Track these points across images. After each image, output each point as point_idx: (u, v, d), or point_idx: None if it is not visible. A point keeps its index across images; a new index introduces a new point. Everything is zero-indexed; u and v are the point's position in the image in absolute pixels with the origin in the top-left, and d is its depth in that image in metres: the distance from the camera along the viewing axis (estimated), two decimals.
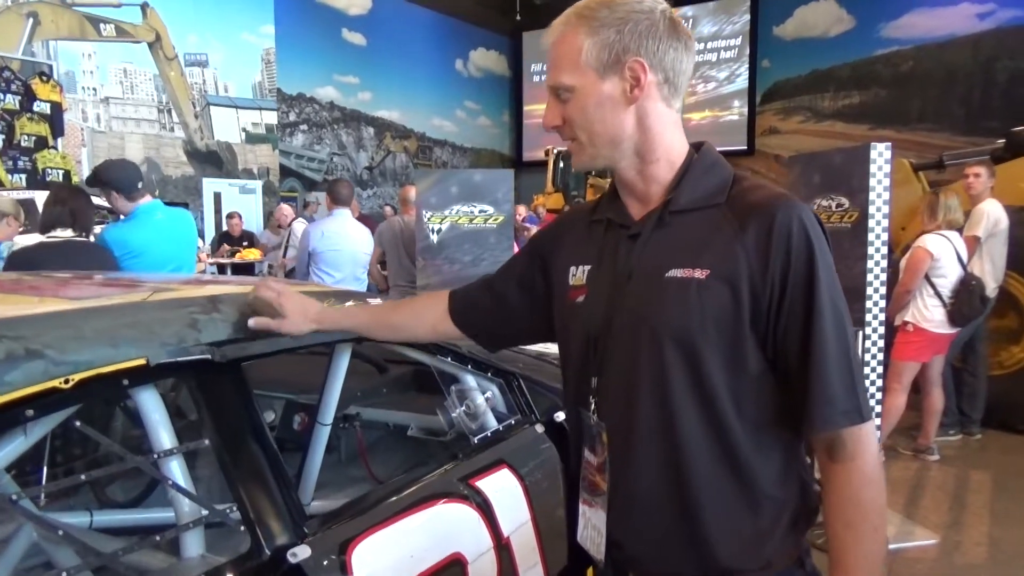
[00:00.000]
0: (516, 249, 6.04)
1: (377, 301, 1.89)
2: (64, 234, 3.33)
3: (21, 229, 4.23)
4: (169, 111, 11.14)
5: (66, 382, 1.15)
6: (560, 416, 2.23)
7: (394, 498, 1.62)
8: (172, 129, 11.21)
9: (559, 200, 13.42)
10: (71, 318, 1.26)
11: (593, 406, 1.15)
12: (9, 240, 3.88)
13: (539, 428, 2.16)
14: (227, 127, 11.99)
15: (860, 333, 3.37)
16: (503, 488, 1.87)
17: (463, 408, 2.07)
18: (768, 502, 1.09)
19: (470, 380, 2.14)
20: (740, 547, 1.08)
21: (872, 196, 3.38)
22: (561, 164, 15.19)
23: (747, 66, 17.45)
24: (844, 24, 15.78)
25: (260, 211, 11.86)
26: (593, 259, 1.19)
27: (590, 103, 1.07)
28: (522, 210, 8.98)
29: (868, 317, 3.45)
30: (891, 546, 3.57)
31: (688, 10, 17.93)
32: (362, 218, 9.74)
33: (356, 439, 2.54)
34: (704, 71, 17.92)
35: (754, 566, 1.09)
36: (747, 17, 17.33)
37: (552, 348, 3.07)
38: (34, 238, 3.61)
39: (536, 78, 20.55)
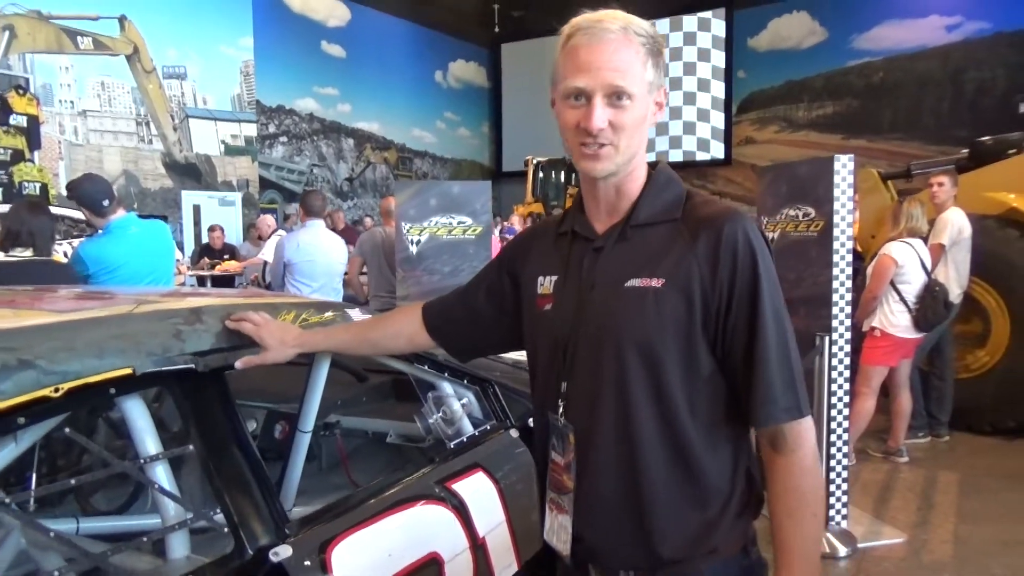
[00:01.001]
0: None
1: (357, 312, 1.96)
2: (24, 254, 3.34)
3: None
4: (147, 124, 11.13)
5: (56, 391, 1.20)
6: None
7: (372, 500, 1.68)
8: (151, 142, 11.21)
9: (539, 209, 13.54)
10: (60, 330, 1.32)
11: (561, 409, 1.22)
12: None
13: (514, 433, 2.23)
14: (206, 139, 11.99)
15: (827, 339, 3.48)
16: (478, 490, 1.93)
17: (440, 414, 2.14)
18: (716, 495, 1.17)
19: (447, 387, 2.21)
20: (689, 537, 1.17)
21: (836, 206, 3.50)
22: (541, 175, 15.35)
23: (723, 77, 17.71)
24: (817, 36, 16.10)
25: (240, 223, 11.87)
26: (559, 270, 1.26)
27: (639, 115, 1.14)
28: (515, 219, 9.13)
29: (835, 323, 3.55)
30: (860, 545, 3.67)
31: (666, 21, 18.18)
32: (346, 228, 9.80)
33: (336, 447, 2.59)
34: (682, 82, 18.16)
35: (701, 551, 1.17)
36: (722, 28, 17.61)
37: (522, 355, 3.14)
38: None
39: (516, 90, 20.69)
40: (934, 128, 14.45)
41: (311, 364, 2.01)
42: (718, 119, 17.90)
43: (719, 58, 17.79)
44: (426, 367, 2.15)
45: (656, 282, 1.12)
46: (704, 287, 1.11)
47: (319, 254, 4.69)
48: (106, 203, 3.63)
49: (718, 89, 17.88)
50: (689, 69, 18.17)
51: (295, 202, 14.76)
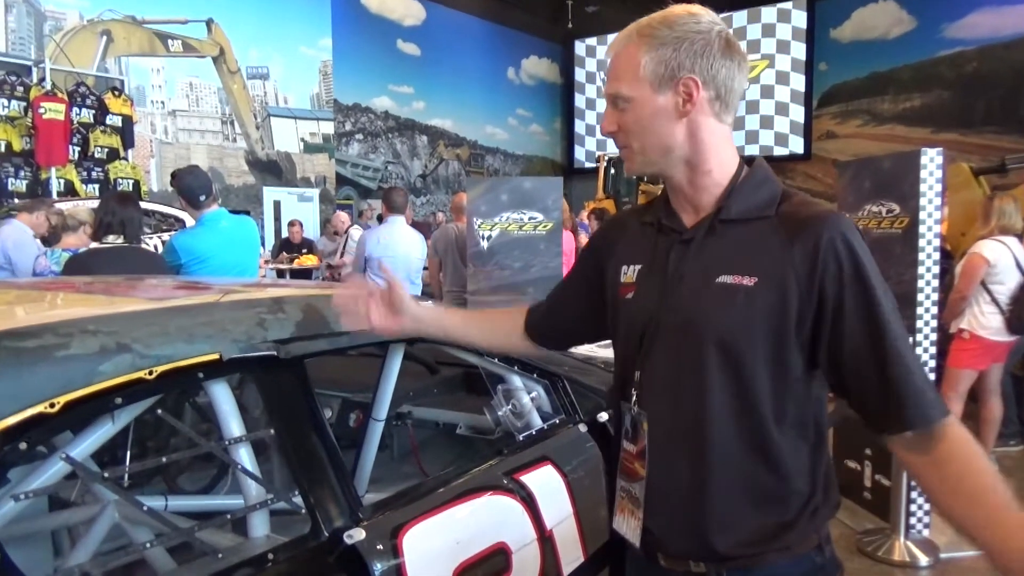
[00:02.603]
0: (569, 252, 6.11)
1: (429, 303, 1.99)
2: (116, 241, 3.54)
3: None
4: (232, 122, 11.58)
5: (150, 373, 1.28)
6: (603, 417, 2.31)
7: (442, 489, 1.71)
8: (235, 140, 11.65)
9: (610, 206, 13.43)
10: (154, 316, 1.40)
11: (634, 397, 1.22)
12: (84, 246, 4.12)
13: (582, 428, 2.24)
14: (286, 137, 12.39)
15: (912, 340, 3.35)
16: (546, 483, 1.95)
17: (509, 407, 2.16)
18: (795, 496, 1.15)
19: (516, 380, 2.23)
20: (762, 535, 1.15)
21: (923, 202, 3.36)
22: (612, 171, 15.21)
23: (803, 69, 17.19)
24: (904, 25, 15.43)
25: (317, 218, 12.21)
26: (644, 259, 1.26)
27: (644, 114, 1.14)
28: (584, 215, 9.13)
29: (920, 324, 3.42)
30: (942, 555, 3.52)
31: (744, 13, 17.76)
32: (415, 224, 9.96)
33: (408, 436, 2.65)
34: (760, 75, 17.72)
35: (772, 548, 1.16)
36: (803, 19, 17.08)
37: (600, 352, 3.14)
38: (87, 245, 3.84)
39: (588, 86, 20.59)
40: None
41: (385, 354, 2.06)
42: (797, 113, 17.37)
43: (799, 50, 17.25)
44: (496, 360, 2.17)
45: (748, 280, 1.11)
46: (800, 290, 1.09)
47: (399, 249, 4.80)
48: (203, 197, 3.84)
49: (798, 82, 17.34)
50: (767, 62, 17.70)
51: (369, 198, 15.10)
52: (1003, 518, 1.05)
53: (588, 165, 18.90)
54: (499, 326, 1.57)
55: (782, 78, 17.52)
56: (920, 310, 3.41)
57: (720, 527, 1.15)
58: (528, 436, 2.09)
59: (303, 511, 1.44)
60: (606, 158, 15.40)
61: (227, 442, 1.43)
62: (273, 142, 12.21)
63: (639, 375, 1.21)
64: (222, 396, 1.45)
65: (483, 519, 1.72)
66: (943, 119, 14.78)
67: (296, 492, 1.45)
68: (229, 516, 1.40)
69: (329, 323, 1.65)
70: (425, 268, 5.42)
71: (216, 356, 1.38)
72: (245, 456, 1.44)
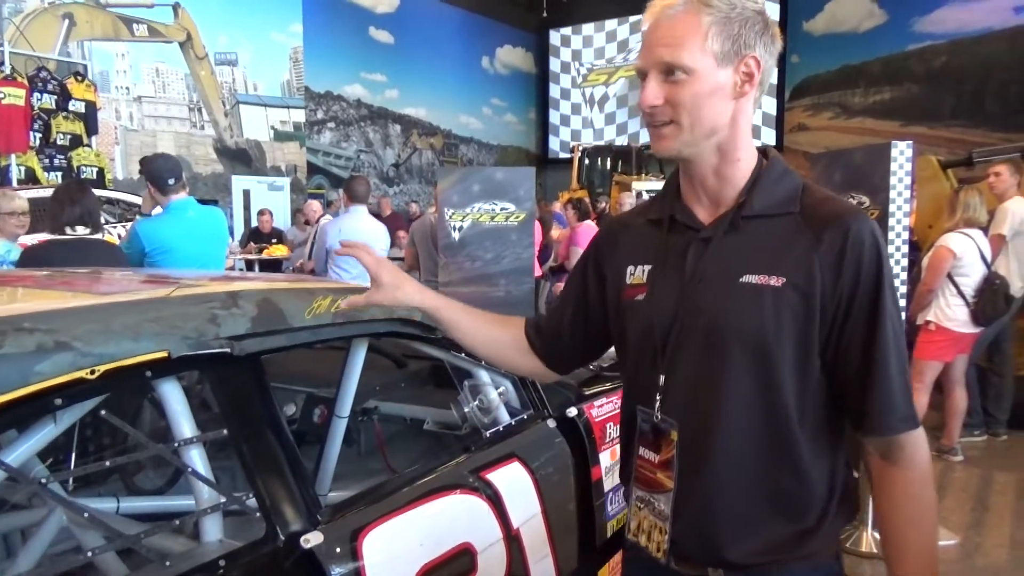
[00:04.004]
0: (537, 241, 6.08)
1: None
2: (80, 232, 3.39)
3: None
4: (200, 110, 11.35)
5: (92, 373, 1.21)
6: (572, 412, 2.27)
7: (406, 489, 1.67)
8: (202, 127, 11.43)
9: (584, 196, 13.41)
10: (97, 312, 1.33)
11: (658, 403, 1.16)
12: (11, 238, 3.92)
13: (551, 423, 2.20)
14: (256, 125, 12.18)
15: None
16: (513, 481, 1.91)
17: (476, 403, 2.12)
18: (817, 501, 1.12)
19: (484, 376, 2.19)
20: (787, 542, 1.12)
21: (893, 195, 3.37)
22: (587, 161, 15.21)
23: (776, 62, 17.25)
24: (876, 19, 15.56)
25: (288, 208, 12.03)
26: (654, 259, 1.19)
27: (704, 89, 1.07)
28: (557, 205, 9.09)
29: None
30: None
31: None
32: (393, 215, 9.87)
33: (374, 432, 2.60)
34: None
35: (795, 555, 1.13)
36: (776, 11, 17.16)
37: None
38: (42, 236, 3.66)
39: (563, 76, 20.53)
40: (999, 115, 13.84)
41: (348, 348, 2.01)
42: (770, 105, 17.46)
43: None
44: (463, 355, 2.13)
45: (775, 280, 1.07)
46: (825, 289, 1.06)
47: (361, 239, 4.70)
48: (172, 181, 3.72)
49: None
50: None
51: (341, 188, 14.90)
52: (912, 561, 1.11)
53: (563, 155, 18.86)
54: (506, 333, 1.42)
55: None
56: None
57: (741, 534, 1.12)
58: (495, 432, 2.06)
59: (258, 514, 1.38)
60: (580, 148, 15.40)
61: (177, 444, 1.37)
62: (242, 130, 12.00)
63: (663, 380, 1.15)
64: (172, 396, 1.39)
65: (447, 519, 1.68)
66: (912, 112, 14.94)
67: (251, 494, 1.40)
68: (177, 521, 1.34)
69: (287, 318, 1.59)
70: (396, 259, 5.35)
71: (164, 354, 1.32)
72: (197, 458, 1.38)
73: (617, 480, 2.52)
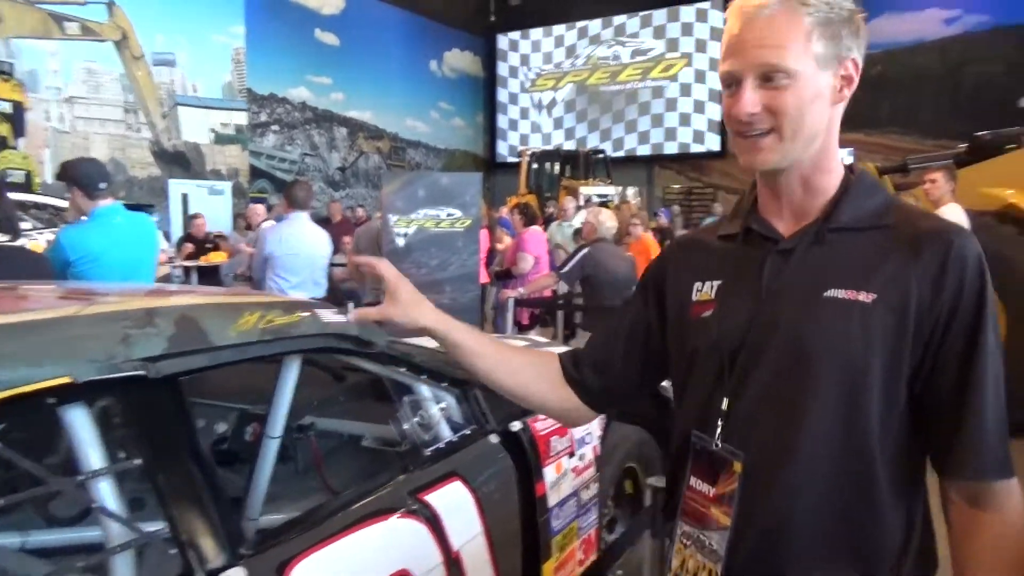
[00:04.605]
0: (483, 250, 6.02)
1: (330, 312, 1.85)
2: (4, 240, 3.17)
3: None
4: (136, 111, 10.98)
5: None
6: (516, 426, 2.21)
7: (338, 515, 1.58)
8: (139, 130, 11.06)
9: (533, 201, 13.41)
10: None
11: (719, 430, 1.03)
12: None
13: (494, 439, 2.14)
14: (195, 127, 11.84)
15: None
16: (454, 501, 1.85)
17: (416, 419, 2.04)
18: (892, 550, 1.01)
19: (424, 390, 2.11)
20: None
21: None
22: (535, 166, 15.21)
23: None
24: None
25: (230, 213, 11.71)
26: (725, 274, 1.09)
27: (807, 94, 0.97)
28: (504, 211, 9.01)
29: None
30: None
31: (663, 11, 18.04)
32: (343, 221, 9.68)
33: (311, 450, 2.50)
34: (678, 73, 18.07)
35: None
36: (720, 18, 17.48)
37: None
38: None
39: (511, 80, 20.54)
40: (932, 122, 14.35)
41: (280, 365, 1.91)
42: (714, 111, 17.78)
43: (716, 49, 17.61)
44: (403, 369, 2.05)
45: (865, 296, 0.96)
46: (921, 310, 0.96)
47: (302, 247, 4.58)
48: (103, 186, 3.53)
49: (714, 81, 17.69)
50: (686, 60, 18.06)
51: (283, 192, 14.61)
52: None
53: (511, 160, 18.85)
54: (538, 365, 1.27)
55: (700, 77, 17.91)
56: None
57: None
58: (436, 450, 1.98)
59: (174, 550, 1.28)
60: (528, 152, 15.40)
61: (84, 476, 1.26)
62: (180, 132, 11.65)
63: (727, 403, 1.03)
64: (78, 424, 1.28)
65: (382, 545, 1.60)
66: (850, 119, 14.62)
67: (167, 529, 1.30)
68: (82, 564, 1.23)
69: (209, 336, 1.49)
70: (336, 265, 5.23)
71: (67, 379, 1.22)
72: (106, 491, 1.28)
73: (564, 494, 2.49)
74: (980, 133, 6.13)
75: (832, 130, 1.03)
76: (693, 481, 1.06)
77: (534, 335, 6.56)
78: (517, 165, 15.41)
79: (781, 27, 0.96)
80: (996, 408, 0.96)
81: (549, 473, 2.31)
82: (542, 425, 2.34)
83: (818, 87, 0.98)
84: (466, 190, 4.92)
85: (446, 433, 2.08)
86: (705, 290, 1.10)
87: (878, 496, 0.98)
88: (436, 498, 1.79)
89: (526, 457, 2.21)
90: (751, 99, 0.97)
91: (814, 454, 0.97)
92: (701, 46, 17.86)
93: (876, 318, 0.95)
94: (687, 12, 17.90)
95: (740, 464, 1.00)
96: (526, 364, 1.26)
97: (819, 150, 1.02)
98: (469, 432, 2.12)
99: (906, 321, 0.95)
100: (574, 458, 2.47)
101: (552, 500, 2.31)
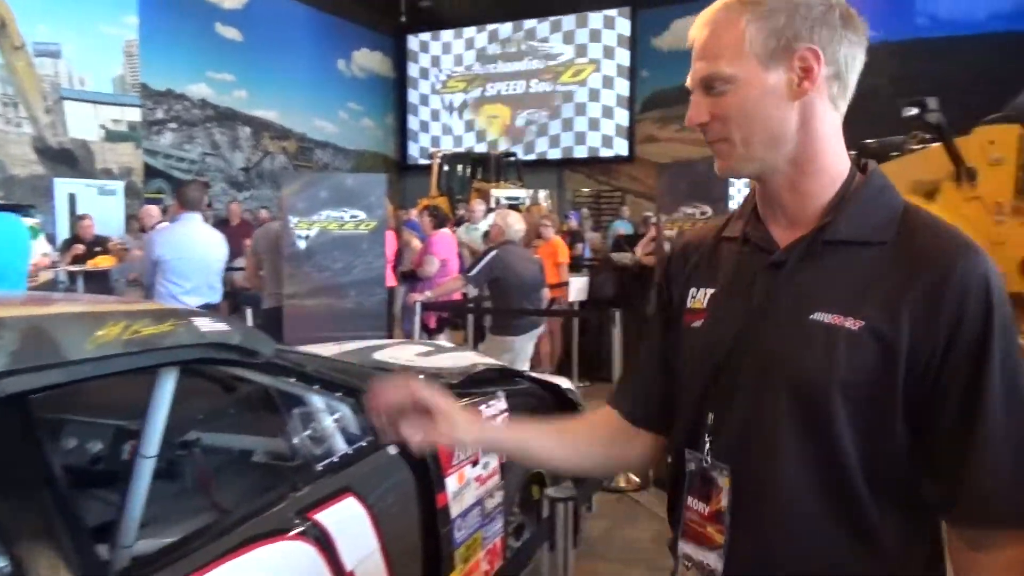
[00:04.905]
0: (391, 252, 5.89)
1: (207, 320, 1.71)
2: None
3: None
4: (16, 105, 10.23)
5: None
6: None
7: (221, 539, 1.46)
8: (19, 124, 10.31)
9: (444, 203, 13.30)
10: None
11: (707, 445, 0.99)
12: None
13: (392, 450, 2.05)
14: (83, 123, 11.14)
15: None
16: (347, 518, 1.75)
17: (308, 432, 1.93)
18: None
19: (317, 401, 2.00)
20: None
21: (732, 205, 3.48)
22: (446, 168, 15.10)
23: (627, 75, 17.97)
24: None
25: (122, 214, 11.08)
26: (719, 282, 1.04)
27: (751, 96, 0.92)
28: (414, 213, 8.83)
29: None
30: None
31: (572, 17, 18.27)
32: (243, 223, 9.28)
33: (197, 467, 2.34)
34: (588, 79, 18.35)
35: None
36: (627, 27, 17.85)
37: (420, 361, 2.95)
38: None
39: (422, 81, 20.35)
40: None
41: (155, 379, 1.76)
42: (622, 116, 18.13)
43: (624, 56, 18.02)
44: (293, 380, 1.93)
45: (852, 323, 0.88)
46: (914, 340, 0.87)
47: (195, 251, 4.34)
48: None
49: (623, 87, 18.11)
50: (595, 66, 18.34)
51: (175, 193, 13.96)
52: None
53: (422, 161, 18.68)
54: (593, 429, 1.20)
55: (608, 82, 18.22)
56: None
57: None
58: (329, 465, 1.88)
59: None
60: (440, 155, 15.27)
61: None
62: (67, 128, 10.93)
63: (712, 419, 0.99)
64: None
65: (268, 570, 1.49)
66: None
67: (8, 567, 1.15)
68: None
69: (63, 349, 1.34)
70: (233, 269, 4.99)
71: None
72: None
73: (467, 504, 2.42)
74: (867, 141, 6.44)
75: (812, 127, 0.94)
76: (690, 500, 1.02)
77: (443, 339, 6.47)
78: (428, 167, 15.25)
79: (719, 35, 0.94)
80: (1011, 451, 0.86)
81: (451, 483, 2.23)
82: None
83: (765, 86, 0.92)
84: (371, 191, 4.79)
85: (341, 446, 1.98)
86: (699, 298, 1.05)
87: (872, 530, 0.91)
88: (327, 516, 1.69)
89: (427, 468, 2.13)
90: (696, 108, 0.97)
91: (794, 485, 0.92)
92: (609, 52, 18.18)
93: (862, 348, 0.88)
94: (595, 19, 18.19)
95: (727, 480, 0.97)
96: (585, 436, 1.19)
97: (797, 152, 0.95)
98: (366, 444, 2.03)
99: (895, 353, 0.87)
100: (477, 467, 2.41)
101: (455, 511, 2.24)
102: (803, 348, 0.91)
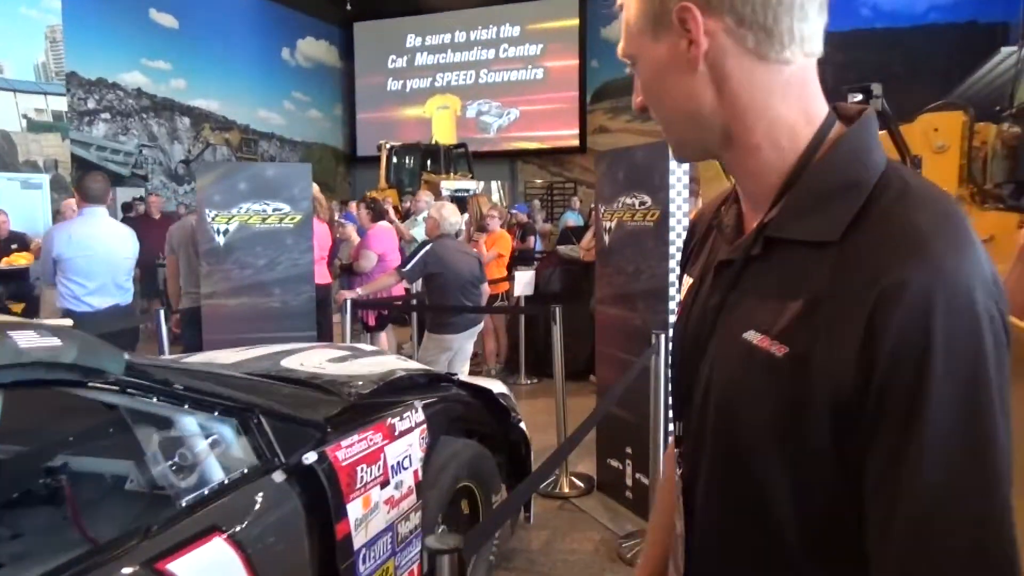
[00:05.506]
0: (324, 247, 5.57)
1: (33, 333, 1.42)
2: None
3: None
4: None
5: None
6: (309, 458, 1.87)
7: None
8: None
9: (393, 196, 12.96)
10: None
11: (678, 455, 0.89)
12: None
13: (278, 476, 1.79)
14: (3, 113, 10.49)
15: (663, 336, 3.26)
16: (210, 565, 1.48)
17: (173, 460, 1.65)
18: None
19: (187, 423, 1.72)
20: None
21: (672, 194, 3.28)
22: (395, 159, 14.75)
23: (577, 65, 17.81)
24: None
25: (48, 209, 10.47)
26: (696, 271, 0.91)
27: (650, 73, 0.79)
28: (353, 205, 8.41)
29: (671, 319, 3.34)
30: None
31: (522, 6, 18.01)
32: (164, 219, 8.84)
33: (65, 496, 2.04)
34: (537, 70, 18.13)
35: None
36: (576, 23, 17.67)
37: (331, 368, 2.67)
38: None
39: (370, 72, 19.88)
40: None
41: None
42: (573, 107, 17.99)
43: (573, 47, 17.84)
44: (155, 399, 1.65)
45: (777, 348, 0.70)
46: (847, 369, 0.65)
47: (98, 248, 3.98)
48: None
49: (573, 77, 17.95)
50: (545, 56, 18.14)
51: (122, 186, 13.38)
52: None
53: (373, 153, 18.29)
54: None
55: (558, 73, 18.08)
56: (672, 305, 3.34)
57: None
58: (195, 498, 1.60)
59: None
60: (388, 145, 14.90)
61: None
62: None
63: (680, 428, 0.88)
64: None
65: None
66: None
67: None
68: None
69: None
70: (161, 266, 4.62)
71: None
72: None
73: (375, 531, 2.16)
74: None
75: (730, 91, 0.74)
76: (677, 524, 0.90)
77: (383, 337, 6.18)
78: (379, 158, 14.89)
79: (625, 16, 0.81)
80: (936, 532, 0.61)
81: (354, 509, 1.98)
82: (346, 453, 2.01)
83: (658, 60, 0.77)
84: (295, 183, 4.47)
85: (215, 475, 1.70)
86: (684, 286, 0.95)
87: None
88: (184, 565, 1.42)
89: (323, 494, 1.87)
90: (635, 91, 0.83)
91: (727, 530, 0.79)
92: (559, 43, 17.98)
93: (783, 378, 0.70)
94: (544, 8, 17.97)
95: (681, 496, 0.87)
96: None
97: (727, 125, 0.76)
98: (246, 471, 1.76)
99: (819, 388, 0.67)
100: (388, 488, 2.16)
101: (359, 540, 1.99)
102: (726, 373, 0.77)
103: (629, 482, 3.77)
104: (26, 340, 1.37)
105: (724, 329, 0.79)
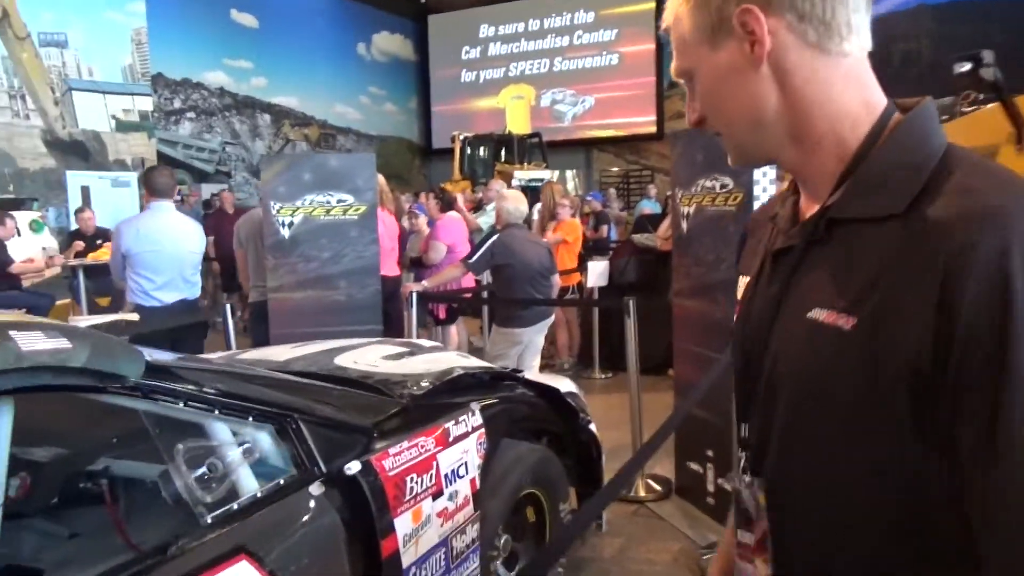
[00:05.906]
0: (392, 238, 5.47)
1: (39, 334, 1.30)
2: None
3: None
4: (23, 97, 10.03)
5: None
6: (352, 468, 1.71)
7: None
8: (27, 117, 10.11)
9: (467, 187, 12.88)
10: None
11: (743, 461, 0.87)
12: None
13: (316, 489, 1.63)
14: (93, 114, 10.92)
15: None
16: None
17: (200, 472, 1.51)
18: None
19: (219, 430, 1.58)
20: None
21: (757, 175, 2.98)
22: (468, 151, 14.67)
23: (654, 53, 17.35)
24: None
25: (136, 206, 10.87)
26: (754, 268, 0.91)
27: (712, 82, 0.82)
28: (423, 197, 8.37)
29: None
30: None
31: None
32: (238, 212, 8.98)
33: (105, 502, 1.95)
34: (615, 56, 17.75)
35: None
36: (651, 1, 17.18)
37: (384, 366, 2.51)
38: None
39: (445, 64, 19.90)
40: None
41: None
42: (650, 93, 17.55)
43: (650, 31, 17.36)
44: (182, 404, 1.52)
45: (845, 320, 0.71)
46: (923, 338, 0.65)
47: (166, 242, 3.98)
48: None
49: (649, 63, 17.51)
50: (620, 42, 17.73)
51: (207, 182, 13.81)
52: None
53: (448, 145, 18.34)
54: None
55: (634, 59, 17.68)
56: None
57: None
58: (221, 515, 1.46)
59: None
60: (461, 137, 14.84)
61: None
62: (77, 119, 10.72)
63: (746, 429, 0.87)
64: None
65: None
66: None
67: None
68: None
69: None
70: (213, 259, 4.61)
71: None
72: None
73: (427, 547, 1.98)
74: None
75: (793, 87, 0.76)
76: (740, 534, 0.88)
77: (454, 331, 6.06)
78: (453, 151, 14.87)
79: (676, 31, 0.84)
80: None
81: (403, 524, 1.81)
82: (393, 462, 1.84)
83: (718, 68, 0.80)
84: (359, 173, 4.36)
85: (248, 486, 1.56)
86: (741, 286, 0.95)
87: (946, 550, 0.69)
88: None
89: (368, 508, 1.71)
90: (689, 108, 0.86)
91: (828, 501, 0.76)
92: (634, 28, 17.53)
93: (855, 350, 0.70)
94: None
95: (763, 496, 0.83)
96: None
97: (792, 124, 0.78)
98: (281, 482, 1.61)
99: (895, 357, 0.66)
100: (442, 499, 1.98)
101: (408, 558, 1.82)
102: (799, 352, 0.77)
103: (711, 487, 3.50)
104: (30, 342, 1.24)
105: (787, 315, 0.80)
